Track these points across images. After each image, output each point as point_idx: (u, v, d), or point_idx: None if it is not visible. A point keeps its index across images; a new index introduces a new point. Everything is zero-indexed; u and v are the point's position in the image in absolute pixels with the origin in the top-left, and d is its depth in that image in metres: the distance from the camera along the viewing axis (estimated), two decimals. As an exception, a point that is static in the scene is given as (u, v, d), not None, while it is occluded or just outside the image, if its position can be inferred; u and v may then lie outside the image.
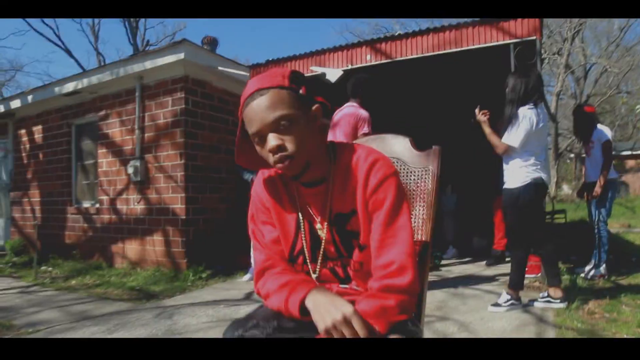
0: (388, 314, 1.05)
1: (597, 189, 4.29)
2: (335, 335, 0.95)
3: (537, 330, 2.81)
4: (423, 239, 1.47)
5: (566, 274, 4.32)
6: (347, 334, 0.94)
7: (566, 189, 24.17)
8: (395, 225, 1.11)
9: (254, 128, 1.06)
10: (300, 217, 1.20)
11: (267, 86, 1.05)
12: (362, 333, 0.94)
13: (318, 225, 1.19)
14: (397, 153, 1.55)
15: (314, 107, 1.12)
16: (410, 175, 1.52)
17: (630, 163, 23.83)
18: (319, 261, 1.21)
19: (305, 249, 1.21)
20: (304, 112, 1.09)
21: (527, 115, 3.24)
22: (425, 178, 1.49)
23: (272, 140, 1.05)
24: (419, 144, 1.51)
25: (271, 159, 1.08)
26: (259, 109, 1.04)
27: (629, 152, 23.17)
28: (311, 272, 1.21)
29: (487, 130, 3.43)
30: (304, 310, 1.03)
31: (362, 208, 1.14)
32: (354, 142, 1.62)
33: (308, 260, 1.21)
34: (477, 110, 3.51)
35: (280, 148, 1.05)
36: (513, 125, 3.27)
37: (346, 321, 0.94)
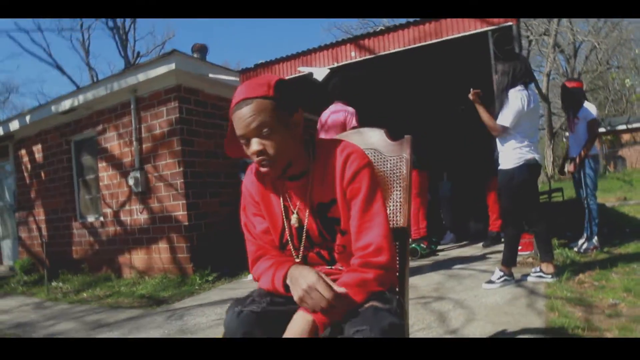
0: (367, 285, 1.19)
1: (574, 164, 4.46)
2: (308, 303, 1.10)
3: (527, 302, 2.95)
4: (402, 220, 1.61)
5: (559, 249, 4.44)
6: (315, 298, 1.08)
7: (564, 167, 24.21)
8: (371, 211, 1.25)
9: (239, 132, 1.21)
10: (286, 208, 1.35)
11: (252, 96, 1.18)
12: (326, 295, 1.08)
13: (301, 215, 1.33)
14: (374, 144, 1.70)
15: (296, 114, 1.26)
16: (387, 163, 1.66)
17: (626, 137, 23.93)
18: (305, 246, 1.36)
19: (292, 237, 1.36)
20: (286, 119, 1.22)
21: (517, 96, 3.34)
22: (400, 165, 1.64)
23: (254, 145, 1.20)
24: (408, 135, 1.64)
25: (254, 160, 1.24)
26: (244, 116, 1.18)
27: (624, 127, 23.27)
28: (299, 257, 1.36)
29: (481, 111, 3.50)
30: (287, 286, 1.19)
31: (341, 197, 1.28)
32: (337, 136, 1.77)
33: (295, 247, 1.36)
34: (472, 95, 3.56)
35: (261, 152, 1.20)
36: (504, 107, 3.38)
37: (311, 289, 1.09)
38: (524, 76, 3.41)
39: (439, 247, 5.85)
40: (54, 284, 6.44)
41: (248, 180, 1.42)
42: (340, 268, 1.37)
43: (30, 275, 7.60)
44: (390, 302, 1.20)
